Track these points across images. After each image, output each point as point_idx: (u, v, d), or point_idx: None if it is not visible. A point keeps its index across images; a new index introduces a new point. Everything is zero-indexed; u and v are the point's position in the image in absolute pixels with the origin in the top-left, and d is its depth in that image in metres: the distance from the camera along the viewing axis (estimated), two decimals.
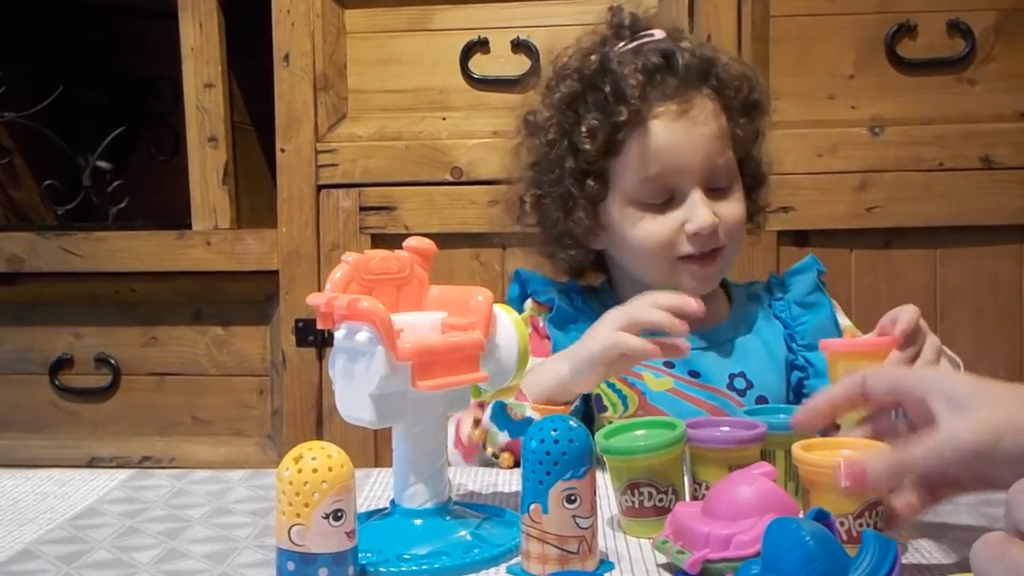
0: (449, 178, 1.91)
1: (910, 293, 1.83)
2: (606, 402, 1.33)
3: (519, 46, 1.90)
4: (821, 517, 0.76)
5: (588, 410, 1.33)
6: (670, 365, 1.34)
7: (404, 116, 1.94)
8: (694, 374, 1.34)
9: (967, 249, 1.84)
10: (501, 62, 1.92)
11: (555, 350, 1.32)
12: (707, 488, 0.95)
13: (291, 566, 0.79)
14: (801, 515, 0.83)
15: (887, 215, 1.82)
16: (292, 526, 0.78)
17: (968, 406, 0.79)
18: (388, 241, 1.87)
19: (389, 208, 1.92)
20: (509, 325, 0.99)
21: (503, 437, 1.19)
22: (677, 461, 0.96)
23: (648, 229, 1.32)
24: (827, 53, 1.85)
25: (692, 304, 1.15)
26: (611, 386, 1.32)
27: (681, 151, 1.29)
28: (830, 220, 1.82)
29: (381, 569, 0.86)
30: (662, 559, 0.87)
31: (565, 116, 1.36)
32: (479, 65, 1.92)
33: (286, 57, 1.94)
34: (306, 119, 1.94)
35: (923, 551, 0.90)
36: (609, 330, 1.16)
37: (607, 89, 1.31)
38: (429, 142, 1.92)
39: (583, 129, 1.33)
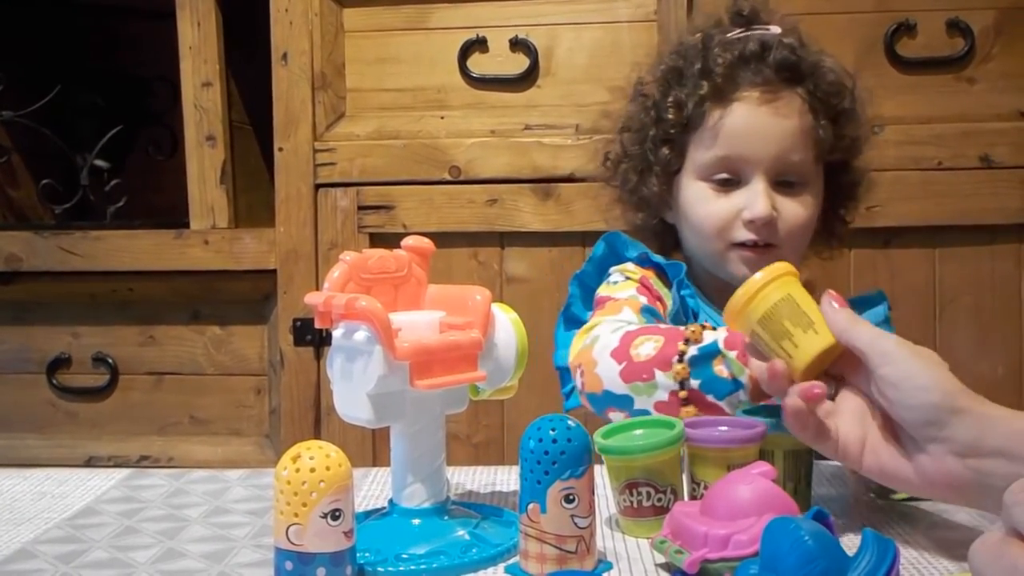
0: (447, 177, 1.90)
1: (909, 293, 1.83)
2: None
3: (517, 45, 1.90)
4: (820, 517, 0.76)
5: None
6: None
7: (402, 115, 1.94)
8: None
9: (966, 248, 1.84)
10: (499, 61, 1.92)
11: (673, 309, 1.32)
12: (705, 488, 0.95)
13: (289, 566, 0.79)
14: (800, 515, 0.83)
15: (886, 214, 1.82)
16: (290, 525, 0.78)
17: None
18: (386, 240, 1.87)
19: (387, 207, 1.92)
20: (507, 324, 0.99)
21: (691, 384, 1.11)
22: (675, 461, 0.96)
23: (709, 208, 1.34)
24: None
25: None
26: None
27: (755, 137, 1.31)
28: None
29: (379, 569, 0.86)
30: (660, 559, 0.87)
31: (660, 87, 1.40)
32: (477, 64, 1.92)
33: (284, 56, 1.94)
34: (304, 118, 1.94)
35: (922, 551, 0.90)
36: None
37: (697, 65, 1.35)
38: (427, 141, 1.91)
39: (670, 100, 1.37)
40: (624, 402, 1.15)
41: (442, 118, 1.93)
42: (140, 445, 2.07)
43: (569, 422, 0.84)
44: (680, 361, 1.11)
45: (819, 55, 1.39)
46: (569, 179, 1.87)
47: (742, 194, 1.32)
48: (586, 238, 1.86)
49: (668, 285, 1.37)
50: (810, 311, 0.93)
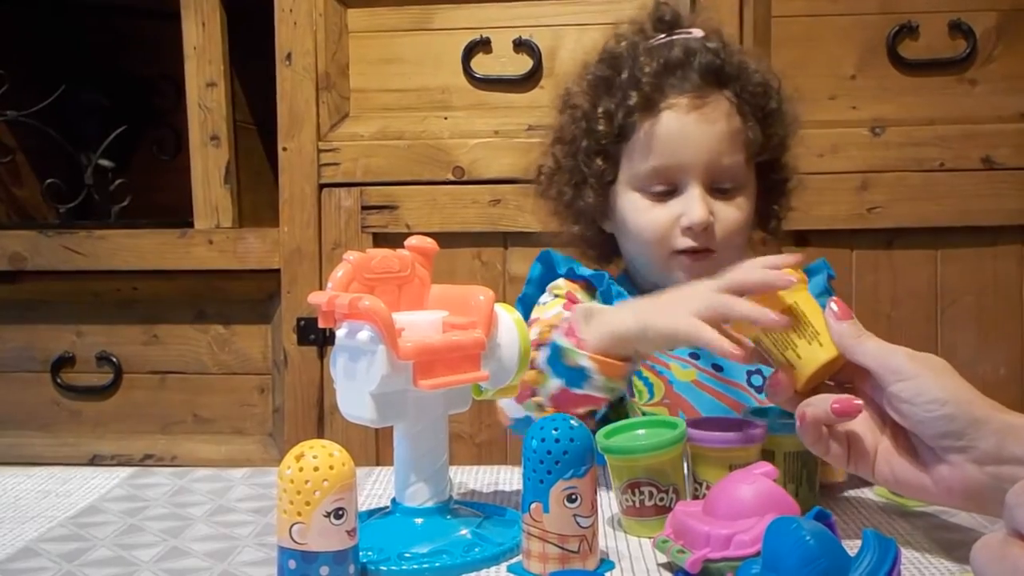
0: (451, 177, 1.91)
1: (911, 293, 1.83)
2: (634, 389, 1.33)
3: (521, 46, 1.91)
4: (822, 517, 0.76)
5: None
6: (695, 356, 1.35)
7: (406, 115, 1.94)
8: (718, 367, 1.35)
9: (968, 250, 1.84)
10: (503, 62, 1.92)
11: None
12: (707, 488, 0.95)
13: (292, 564, 0.79)
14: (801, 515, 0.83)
15: (888, 215, 1.82)
16: (293, 524, 0.78)
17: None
18: (390, 240, 1.87)
19: (391, 207, 1.92)
20: (510, 324, 1.00)
21: (556, 383, 1.13)
22: (678, 460, 0.97)
23: (647, 217, 1.33)
24: (828, 54, 1.85)
25: (781, 282, 1.01)
26: (638, 374, 1.33)
27: (687, 144, 1.31)
28: (831, 220, 1.82)
29: (382, 568, 0.87)
30: (663, 558, 0.88)
31: (589, 97, 1.39)
32: (481, 65, 1.92)
33: (288, 56, 1.94)
34: (308, 118, 1.94)
35: (923, 551, 0.90)
36: (693, 311, 1.03)
37: (624, 75, 1.35)
38: (431, 141, 1.92)
39: (599, 110, 1.36)
40: (529, 423, 1.15)
41: (446, 118, 1.93)
42: (144, 444, 2.07)
43: (572, 422, 0.85)
44: (532, 368, 1.13)
45: (743, 56, 1.39)
46: (523, 183, 1.87)
47: (678, 202, 1.31)
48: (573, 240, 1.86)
49: (597, 295, 1.38)
50: (815, 321, 0.93)
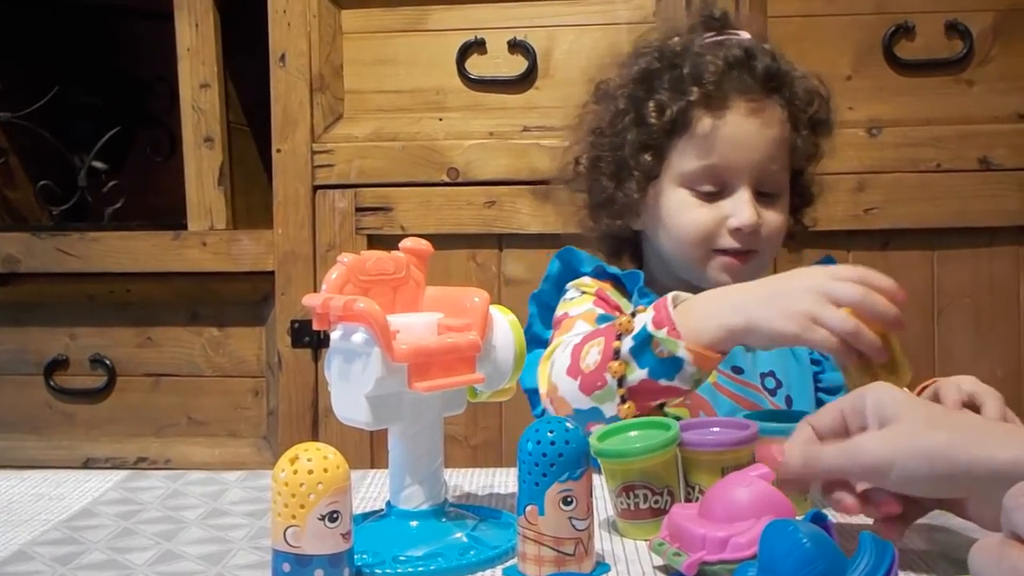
0: (445, 179, 1.90)
1: (908, 294, 1.83)
2: None
3: (516, 46, 1.90)
4: (818, 519, 0.76)
5: None
6: None
7: (400, 117, 1.94)
8: (737, 370, 1.35)
9: (965, 250, 1.84)
10: (498, 63, 1.92)
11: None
12: (700, 491, 0.95)
13: (287, 568, 0.79)
14: (798, 517, 0.83)
15: (885, 216, 1.82)
16: (288, 527, 0.78)
17: (891, 421, 0.81)
18: (384, 242, 1.87)
19: (385, 209, 1.92)
20: (505, 326, 0.99)
21: (639, 375, 1.09)
22: (672, 462, 0.96)
23: (693, 216, 1.33)
24: (825, 54, 1.85)
25: (899, 296, 1.04)
26: None
27: (743, 147, 1.31)
28: (827, 221, 1.81)
29: (377, 571, 0.86)
30: (659, 561, 0.87)
31: (637, 89, 1.38)
32: (476, 65, 1.92)
33: (282, 57, 1.94)
34: (302, 119, 1.94)
35: (920, 554, 0.90)
36: (802, 313, 1.03)
37: (685, 69, 1.34)
38: (425, 143, 1.91)
39: (651, 104, 1.35)
40: (594, 414, 1.13)
41: (440, 120, 1.93)
42: (138, 447, 2.07)
43: (567, 424, 0.84)
44: (616, 358, 1.10)
45: (789, 63, 1.39)
46: (552, 182, 1.87)
47: (727, 203, 1.32)
48: (584, 240, 1.86)
49: (625, 295, 1.37)
50: (897, 348, 0.96)
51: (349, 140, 1.94)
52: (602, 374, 1.11)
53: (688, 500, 0.97)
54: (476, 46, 1.92)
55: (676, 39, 1.39)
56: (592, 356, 1.13)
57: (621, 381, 1.10)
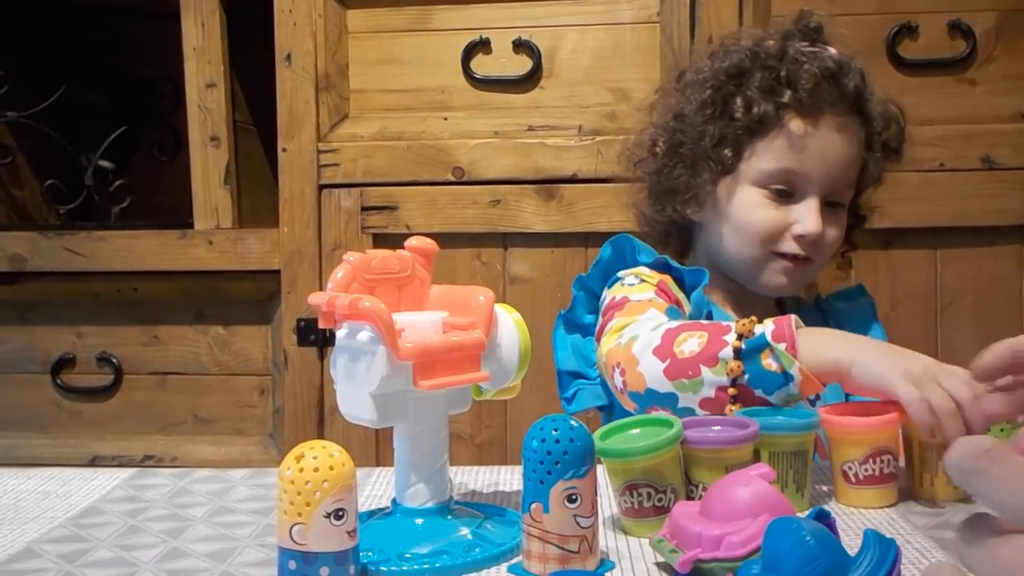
0: (451, 178, 1.91)
1: (910, 294, 1.84)
2: None
3: (521, 46, 1.91)
4: (822, 517, 0.76)
5: None
6: None
7: (406, 116, 1.94)
8: None
9: (967, 250, 1.84)
10: (503, 62, 1.92)
11: (692, 314, 1.33)
12: (703, 489, 0.95)
13: (292, 565, 0.79)
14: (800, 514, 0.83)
15: (887, 215, 1.81)
16: (293, 525, 0.78)
17: None
18: (389, 241, 1.88)
19: (391, 208, 1.92)
20: (510, 325, 1.00)
21: (742, 379, 1.12)
22: (674, 461, 0.97)
23: (761, 215, 1.36)
24: None
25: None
26: None
27: (823, 158, 1.35)
28: None
29: (382, 568, 0.87)
30: (660, 558, 0.88)
31: (728, 83, 1.40)
32: (481, 65, 1.92)
33: (288, 57, 1.94)
34: (308, 119, 1.94)
35: (923, 551, 0.90)
36: (911, 376, 1.04)
37: (782, 72, 1.36)
38: (431, 142, 1.92)
39: (740, 99, 1.37)
40: (668, 400, 1.15)
41: (445, 119, 1.93)
42: (144, 445, 2.07)
43: (572, 422, 0.85)
44: (736, 357, 1.11)
45: (873, 85, 1.41)
46: (572, 180, 1.87)
47: (795, 208, 1.35)
48: (588, 239, 1.86)
49: (684, 292, 1.38)
50: None
51: (354, 139, 1.94)
52: (697, 365, 1.12)
53: (691, 498, 0.98)
54: (481, 46, 1.92)
55: (771, 43, 1.40)
56: (690, 345, 1.14)
57: (735, 380, 1.11)
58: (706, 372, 1.12)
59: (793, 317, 1.12)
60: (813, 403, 1.14)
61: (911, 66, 1.84)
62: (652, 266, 1.40)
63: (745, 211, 1.37)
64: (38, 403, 2.10)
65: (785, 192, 1.35)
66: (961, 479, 0.55)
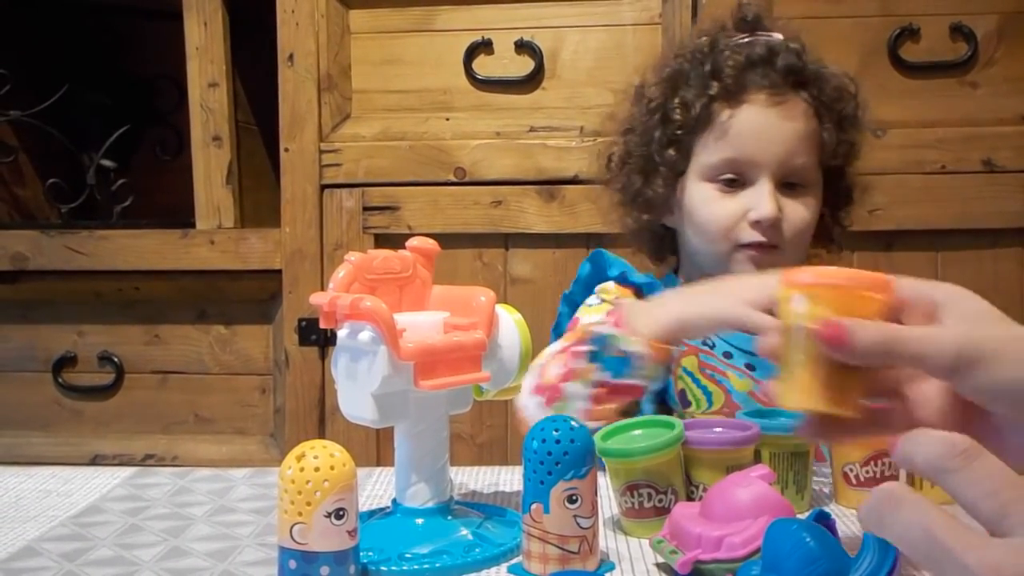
0: (452, 178, 1.91)
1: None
2: (690, 397, 1.33)
3: (523, 47, 1.91)
4: (822, 518, 0.76)
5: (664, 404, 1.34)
6: (751, 368, 1.35)
7: (408, 116, 1.95)
8: None
9: (969, 252, 1.84)
10: (505, 63, 1.92)
11: None
12: (703, 490, 0.95)
13: (293, 564, 0.79)
14: (800, 515, 0.84)
15: (889, 218, 1.82)
16: (294, 524, 0.78)
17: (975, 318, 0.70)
18: (391, 241, 1.88)
19: (392, 208, 1.92)
20: (511, 325, 1.00)
21: (600, 377, 1.11)
22: (675, 462, 0.97)
23: (714, 209, 1.35)
24: (829, 56, 1.82)
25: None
26: (696, 382, 1.33)
27: (762, 138, 1.33)
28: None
29: (383, 568, 0.87)
30: (660, 558, 0.88)
31: (666, 89, 1.41)
32: (483, 66, 1.92)
33: (290, 57, 1.94)
34: (310, 119, 1.94)
35: None
36: (747, 299, 1.04)
37: (707, 67, 1.36)
38: (432, 142, 1.92)
39: (676, 101, 1.38)
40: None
41: (447, 120, 1.93)
42: (145, 444, 2.07)
43: (572, 423, 0.85)
44: (591, 361, 1.12)
45: (821, 63, 1.40)
46: (574, 181, 1.88)
47: (748, 195, 1.33)
48: (590, 240, 1.86)
49: None
50: None
51: (356, 140, 1.94)
52: (559, 386, 1.12)
53: (691, 499, 0.98)
54: (483, 46, 1.92)
55: (704, 39, 1.41)
56: (553, 370, 1.14)
57: (588, 384, 1.11)
58: (570, 388, 1.12)
59: (628, 301, 1.16)
60: None
61: (912, 68, 1.84)
62: (616, 280, 1.41)
63: (699, 207, 1.36)
64: (39, 402, 2.10)
65: (736, 181, 1.34)
66: (935, 477, 0.54)
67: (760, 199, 1.31)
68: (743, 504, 0.84)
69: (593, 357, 1.12)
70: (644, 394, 1.14)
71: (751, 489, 0.85)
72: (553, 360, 1.17)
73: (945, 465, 0.53)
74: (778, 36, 1.39)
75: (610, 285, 1.40)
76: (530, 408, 1.16)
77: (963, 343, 0.65)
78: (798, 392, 0.72)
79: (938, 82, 1.84)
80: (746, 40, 1.38)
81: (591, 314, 1.35)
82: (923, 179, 1.82)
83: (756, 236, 1.32)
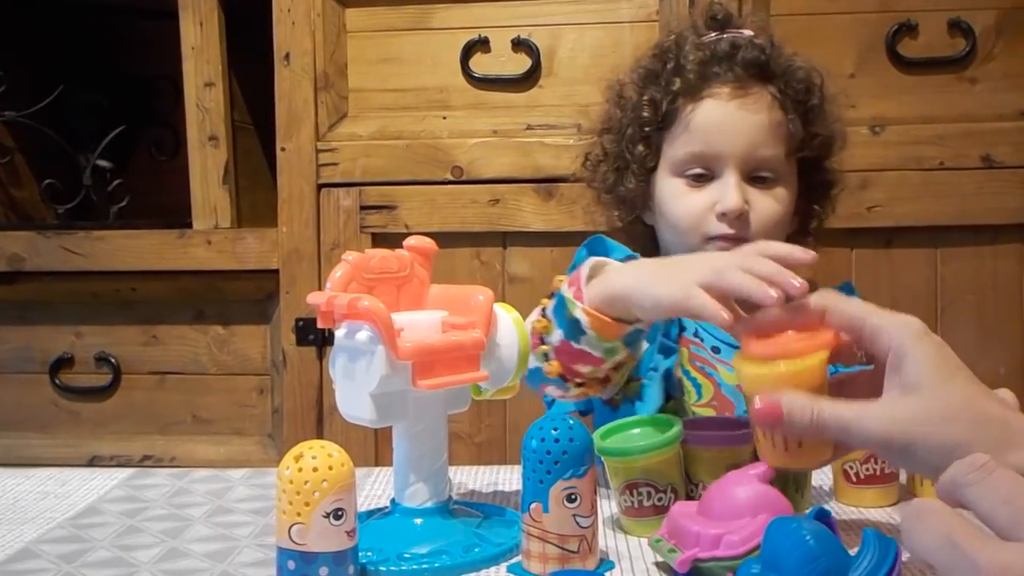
0: (450, 177, 1.91)
1: (911, 293, 1.83)
2: (683, 388, 1.33)
3: (520, 45, 1.91)
4: (822, 516, 0.76)
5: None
6: None
7: (405, 115, 1.94)
8: None
9: (968, 248, 1.84)
10: (502, 61, 1.92)
11: None
12: (702, 488, 0.95)
13: (291, 565, 0.79)
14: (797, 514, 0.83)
15: (888, 214, 1.82)
16: (292, 525, 0.78)
17: (914, 390, 0.79)
18: (388, 240, 1.87)
19: (389, 207, 1.92)
20: (509, 324, 0.99)
21: (558, 334, 1.08)
22: (675, 460, 0.96)
23: (683, 203, 1.35)
24: (828, 52, 1.84)
25: (799, 254, 0.95)
26: (686, 374, 1.33)
27: (725, 132, 1.33)
28: (830, 219, 1.81)
29: (381, 568, 0.86)
30: (659, 557, 0.88)
31: (637, 87, 1.43)
32: (480, 64, 1.92)
33: (287, 56, 1.94)
34: (307, 118, 1.94)
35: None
36: (688, 280, 0.96)
37: (670, 64, 1.38)
38: (430, 141, 1.92)
39: (645, 98, 1.39)
40: (535, 374, 1.12)
41: (444, 118, 1.93)
42: (143, 445, 2.07)
43: (571, 422, 0.85)
44: (543, 316, 1.10)
45: (790, 57, 1.40)
46: (571, 179, 1.87)
47: (714, 188, 1.33)
48: (588, 238, 1.86)
49: None
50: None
51: (353, 139, 1.94)
52: (537, 333, 1.11)
53: (691, 498, 0.98)
54: (480, 45, 1.92)
55: (672, 37, 1.43)
56: (532, 317, 1.13)
57: (543, 339, 1.10)
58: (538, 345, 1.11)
59: (592, 260, 1.10)
60: None
61: (911, 64, 1.84)
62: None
63: (669, 201, 1.37)
64: (37, 403, 2.10)
65: (704, 176, 1.34)
66: (957, 492, 0.58)
67: (726, 191, 1.31)
68: (741, 502, 0.83)
69: (554, 312, 1.10)
70: (603, 367, 1.10)
71: (749, 487, 0.85)
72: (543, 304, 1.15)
73: (965, 479, 0.57)
74: (748, 33, 1.40)
75: None
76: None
77: (885, 435, 0.78)
78: (763, 451, 0.86)
79: (937, 78, 1.84)
80: (712, 38, 1.39)
81: None
82: (922, 175, 1.82)
83: (724, 228, 1.32)
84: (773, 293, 0.89)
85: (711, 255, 1.05)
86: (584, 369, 1.11)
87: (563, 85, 1.91)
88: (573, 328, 1.07)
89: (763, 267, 0.93)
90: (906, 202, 1.82)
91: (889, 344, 0.83)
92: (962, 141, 1.82)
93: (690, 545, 0.82)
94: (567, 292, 1.08)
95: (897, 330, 0.84)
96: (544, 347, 1.10)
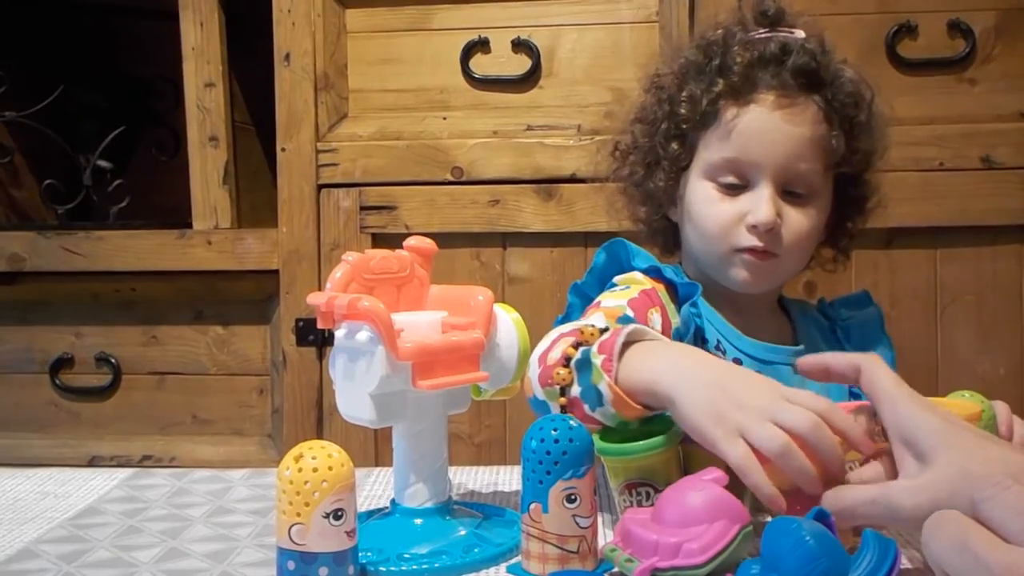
0: (450, 178, 1.91)
1: (910, 293, 1.83)
2: None
3: (520, 46, 1.90)
4: (821, 517, 0.76)
5: None
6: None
7: (405, 116, 1.94)
8: None
9: (967, 249, 1.83)
10: (502, 62, 1.92)
11: (679, 329, 1.26)
12: None
13: (291, 565, 0.79)
14: (748, 518, 0.83)
15: (887, 215, 1.80)
16: (292, 525, 0.78)
17: (930, 461, 0.77)
18: (388, 241, 1.87)
19: (389, 208, 1.92)
20: (509, 325, 1.00)
21: (576, 390, 1.01)
22: (674, 460, 0.96)
23: (713, 210, 1.30)
24: None
25: (863, 446, 0.91)
26: None
27: (766, 142, 1.28)
28: None
29: (381, 568, 0.86)
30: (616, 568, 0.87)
31: (677, 80, 1.37)
32: (480, 65, 1.92)
33: (287, 57, 1.94)
34: (307, 119, 1.94)
35: (922, 551, 0.90)
36: (737, 430, 0.89)
37: (715, 62, 1.32)
38: (430, 142, 1.92)
39: (684, 94, 1.34)
40: (543, 408, 1.05)
41: (444, 119, 1.93)
42: (143, 445, 2.07)
43: (571, 422, 0.85)
44: (566, 365, 1.02)
45: (840, 64, 1.35)
46: (571, 180, 1.87)
47: (747, 198, 1.28)
48: (588, 239, 1.86)
49: (677, 300, 1.32)
50: None
51: (353, 139, 1.94)
52: (554, 377, 1.03)
53: None
54: (480, 45, 1.92)
55: (719, 32, 1.36)
56: (556, 352, 1.05)
57: (563, 390, 1.02)
58: (549, 387, 1.04)
59: (633, 327, 1.03)
60: None
61: (910, 65, 1.84)
62: (647, 272, 1.35)
63: (699, 206, 1.32)
64: (37, 403, 2.10)
65: (737, 185, 1.29)
66: (973, 508, 0.62)
67: (759, 203, 1.26)
68: (697, 509, 0.82)
69: (577, 366, 1.02)
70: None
71: (705, 493, 0.83)
72: (567, 337, 1.07)
73: (982, 495, 0.62)
74: (800, 34, 1.34)
75: (638, 275, 1.32)
76: (533, 375, 1.07)
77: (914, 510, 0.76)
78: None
79: (936, 79, 1.84)
80: (763, 36, 1.33)
81: (612, 298, 1.27)
82: (922, 176, 1.82)
83: (753, 241, 1.27)
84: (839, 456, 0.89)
85: (773, 390, 0.93)
86: (593, 426, 1.06)
87: (563, 86, 1.91)
88: (593, 395, 0.99)
89: (823, 446, 0.88)
90: (906, 203, 1.81)
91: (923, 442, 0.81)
92: (962, 142, 1.82)
93: (648, 554, 0.80)
94: (596, 359, 1.00)
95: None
96: (561, 399, 1.02)
